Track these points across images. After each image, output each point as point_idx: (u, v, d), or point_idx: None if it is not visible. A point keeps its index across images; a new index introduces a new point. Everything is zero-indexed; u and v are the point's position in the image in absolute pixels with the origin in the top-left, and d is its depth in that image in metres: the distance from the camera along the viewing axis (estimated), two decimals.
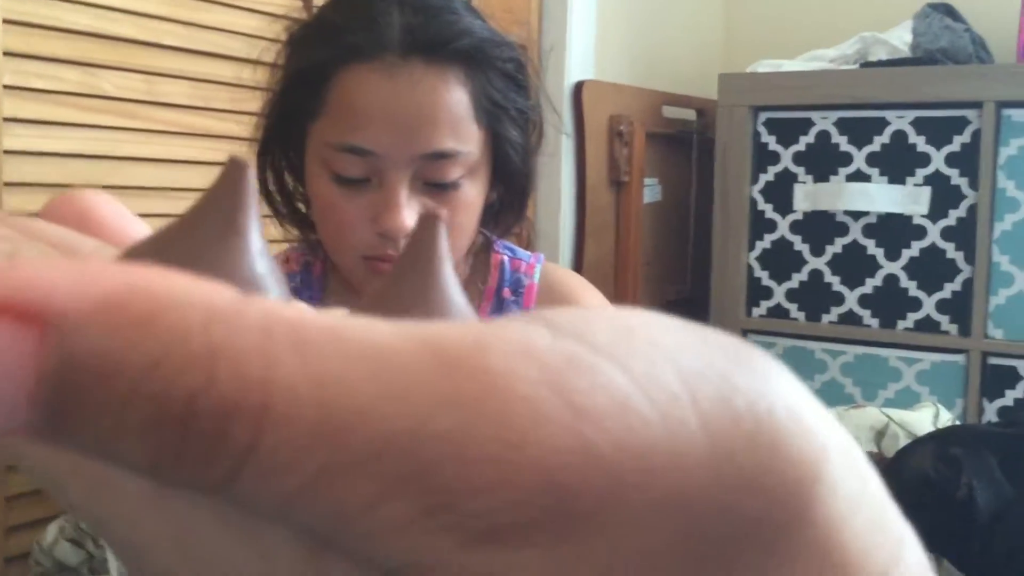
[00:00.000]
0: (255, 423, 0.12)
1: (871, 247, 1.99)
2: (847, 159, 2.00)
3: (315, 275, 1.02)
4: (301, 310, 0.13)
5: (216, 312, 0.12)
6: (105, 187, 1.24)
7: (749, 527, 0.13)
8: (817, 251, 2.04)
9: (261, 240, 0.17)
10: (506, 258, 1.03)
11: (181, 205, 1.30)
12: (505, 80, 0.94)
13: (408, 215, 0.89)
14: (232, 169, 0.17)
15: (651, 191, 2.17)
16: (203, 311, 0.12)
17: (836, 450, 0.14)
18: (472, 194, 0.92)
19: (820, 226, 2.03)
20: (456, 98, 0.89)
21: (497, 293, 1.01)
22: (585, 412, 0.13)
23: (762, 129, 2.07)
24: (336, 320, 0.13)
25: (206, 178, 1.34)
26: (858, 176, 1.99)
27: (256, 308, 0.13)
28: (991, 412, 1.89)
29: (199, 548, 0.15)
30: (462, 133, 0.90)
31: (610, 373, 0.13)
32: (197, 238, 0.16)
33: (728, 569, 0.14)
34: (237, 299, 0.13)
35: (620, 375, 0.13)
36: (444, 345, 0.13)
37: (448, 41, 0.89)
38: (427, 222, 0.18)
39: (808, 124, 2.03)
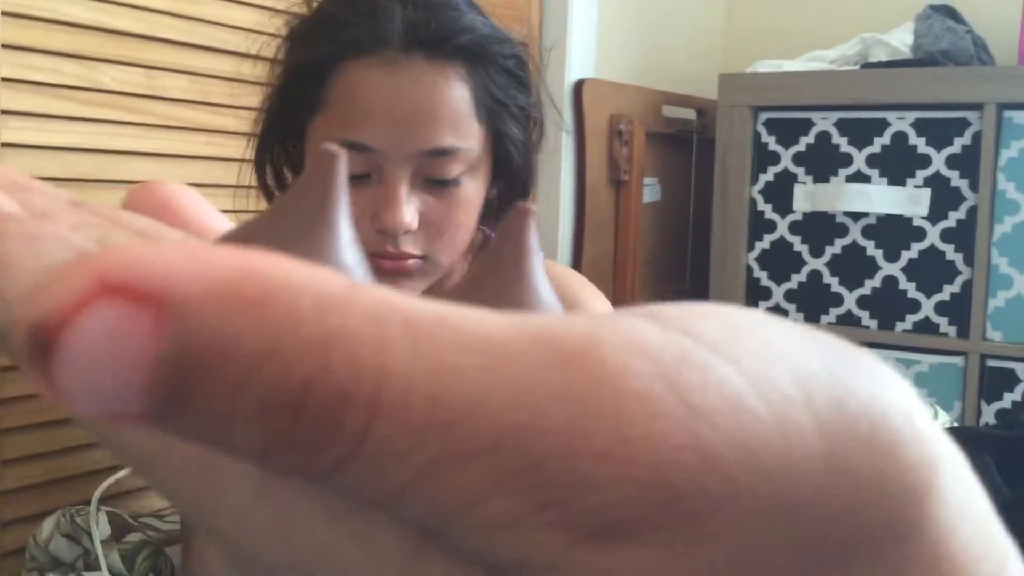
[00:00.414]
0: (368, 411, 0.12)
1: (870, 248, 1.99)
2: (847, 160, 2.00)
3: None
4: (411, 299, 0.13)
5: (329, 298, 0.12)
6: (103, 181, 1.24)
7: (861, 534, 0.13)
8: (816, 252, 2.04)
9: (351, 230, 0.17)
10: None
11: None
12: (506, 77, 0.93)
13: (408, 212, 0.88)
14: (324, 158, 0.16)
15: (651, 190, 2.17)
16: (316, 297, 0.12)
17: (947, 458, 0.14)
18: (472, 191, 0.92)
19: (819, 227, 2.03)
20: (457, 94, 0.89)
21: None
22: (699, 410, 0.12)
23: (762, 129, 2.07)
24: (447, 310, 0.13)
25: (205, 172, 1.34)
26: (858, 177, 1.99)
27: (368, 296, 0.12)
28: (989, 414, 1.89)
29: (302, 538, 0.15)
30: (463, 130, 0.89)
31: (723, 371, 0.13)
32: (286, 228, 0.16)
33: None
34: (349, 286, 0.12)
35: (734, 373, 0.13)
36: (556, 338, 0.13)
37: (450, 37, 0.89)
38: (518, 215, 0.17)
39: (808, 125, 2.03)
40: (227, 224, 0.21)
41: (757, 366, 0.13)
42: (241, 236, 0.17)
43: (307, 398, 0.12)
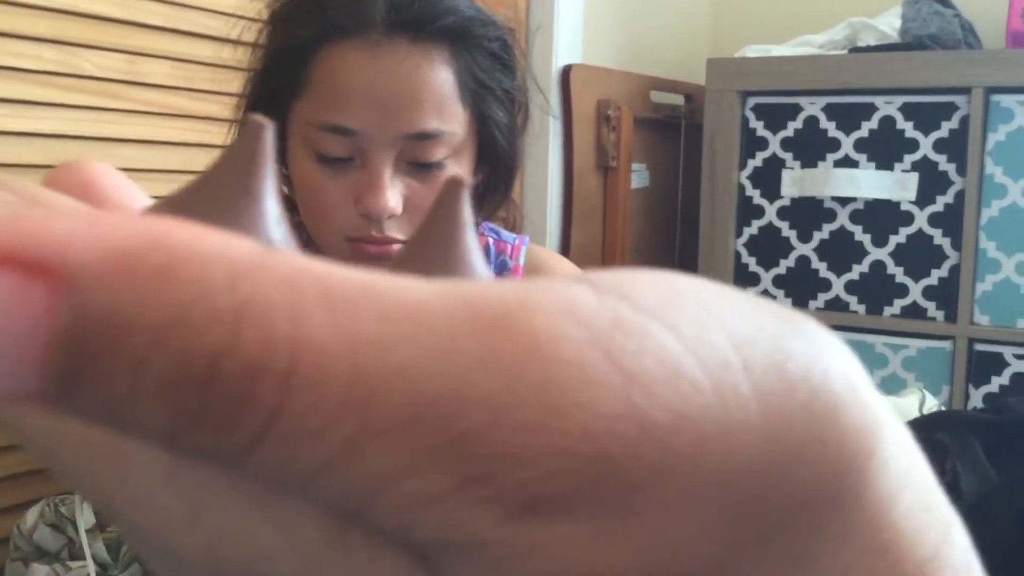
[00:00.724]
0: (281, 386, 0.11)
1: (858, 233, 1.99)
2: (835, 145, 1.99)
3: None
4: (331, 266, 0.12)
5: (241, 266, 0.11)
6: None
7: (801, 502, 0.13)
8: (804, 237, 2.04)
9: (278, 206, 0.16)
10: (491, 240, 1.02)
11: (162, 187, 1.29)
12: (491, 60, 0.93)
13: (392, 196, 0.88)
14: (250, 130, 0.16)
15: (639, 176, 2.16)
16: (227, 265, 0.11)
17: (889, 425, 0.13)
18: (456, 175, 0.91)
19: (807, 212, 2.03)
20: (441, 77, 0.88)
21: None
22: (635, 377, 0.12)
23: (750, 114, 2.06)
24: (368, 277, 0.12)
25: (188, 159, 1.32)
26: (846, 162, 1.98)
27: (283, 262, 0.12)
28: (977, 398, 1.90)
29: (214, 525, 0.14)
30: (447, 113, 0.89)
31: (660, 336, 0.12)
32: (210, 203, 0.15)
33: (778, 547, 0.13)
34: (263, 252, 0.12)
35: (671, 339, 0.12)
36: (484, 304, 0.12)
37: (433, 19, 0.88)
38: (451, 188, 0.17)
39: (796, 110, 2.02)
40: (148, 203, 0.20)
41: (695, 331, 0.12)
42: (162, 211, 0.16)
43: (215, 373, 0.11)
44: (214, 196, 0.15)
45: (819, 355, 0.13)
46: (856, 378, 0.13)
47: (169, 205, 0.16)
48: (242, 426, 0.11)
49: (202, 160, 1.31)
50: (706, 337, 0.12)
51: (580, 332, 0.12)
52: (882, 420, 0.13)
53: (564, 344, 0.12)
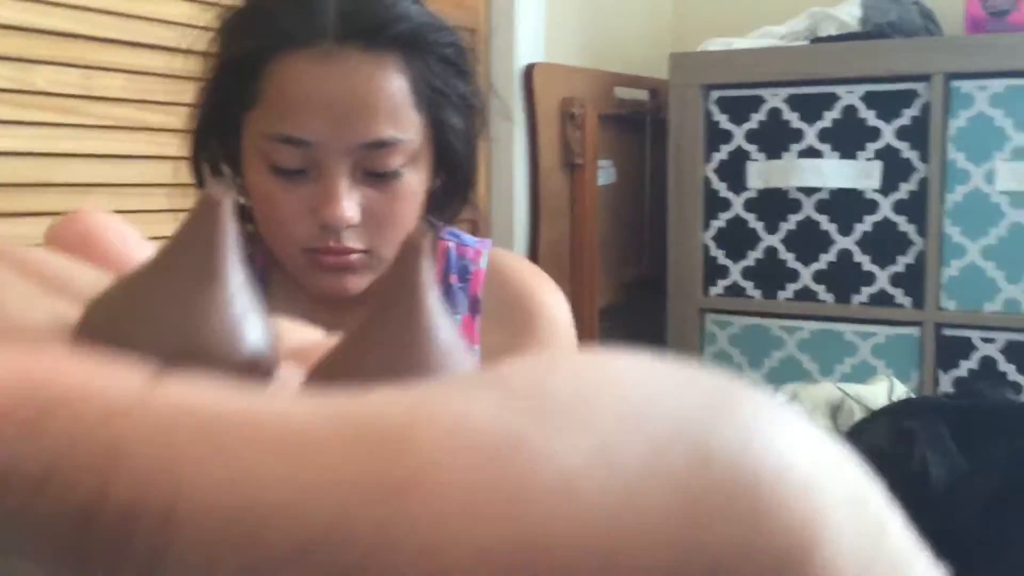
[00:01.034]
0: (159, 528, 0.11)
1: (824, 223, 2.00)
2: (798, 135, 2.00)
3: (256, 268, 1.00)
4: (216, 394, 0.12)
5: (116, 405, 0.11)
6: (43, 185, 1.21)
7: None
8: (771, 228, 2.04)
9: (240, 274, 0.16)
10: (452, 245, 1.02)
11: (122, 201, 1.28)
12: (445, 66, 0.92)
13: (349, 206, 0.87)
14: (207, 205, 0.16)
15: (605, 173, 2.16)
16: (102, 405, 0.11)
17: (841, 503, 0.12)
18: (414, 183, 0.91)
19: (773, 203, 2.04)
20: (395, 85, 0.88)
21: (443, 280, 1.00)
22: (524, 499, 0.11)
23: (714, 108, 2.07)
24: (253, 406, 0.12)
25: (146, 172, 1.31)
26: (810, 152, 1.99)
27: (163, 396, 0.12)
28: (946, 383, 1.91)
29: None
30: (401, 121, 0.88)
31: (559, 447, 0.12)
32: (170, 284, 0.15)
33: None
34: (143, 387, 0.12)
35: (572, 449, 0.12)
36: (372, 425, 0.12)
37: (385, 27, 0.87)
38: (409, 250, 0.16)
39: (759, 101, 2.03)
40: (150, 251, 0.20)
41: (605, 433, 0.12)
42: (120, 296, 0.16)
43: (92, 520, 0.11)
44: (175, 279, 0.15)
45: (748, 444, 0.12)
46: (794, 460, 0.12)
47: (129, 290, 0.16)
48: (126, 566, 0.11)
49: (160, 172, 1.30)
50: (617, 440, 0.12)
51: (467, 456, 0.11)
52: (829, 503, 0.12)
53: (448, 470, 0.11)
